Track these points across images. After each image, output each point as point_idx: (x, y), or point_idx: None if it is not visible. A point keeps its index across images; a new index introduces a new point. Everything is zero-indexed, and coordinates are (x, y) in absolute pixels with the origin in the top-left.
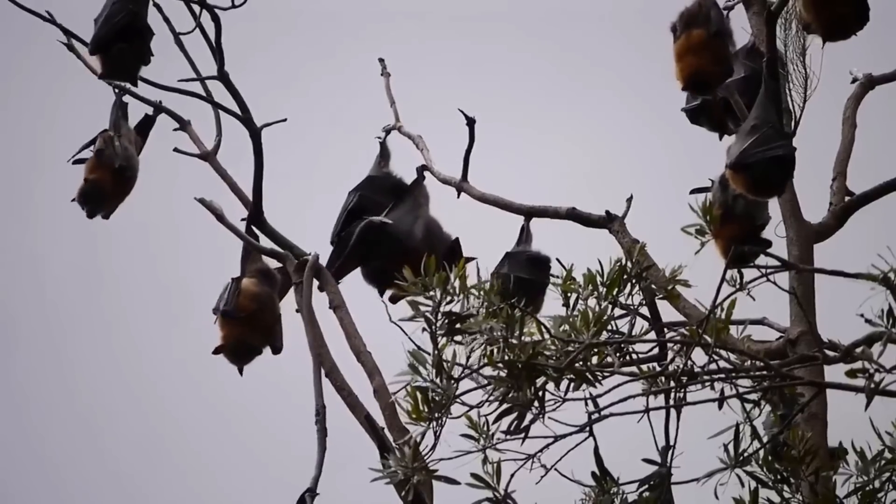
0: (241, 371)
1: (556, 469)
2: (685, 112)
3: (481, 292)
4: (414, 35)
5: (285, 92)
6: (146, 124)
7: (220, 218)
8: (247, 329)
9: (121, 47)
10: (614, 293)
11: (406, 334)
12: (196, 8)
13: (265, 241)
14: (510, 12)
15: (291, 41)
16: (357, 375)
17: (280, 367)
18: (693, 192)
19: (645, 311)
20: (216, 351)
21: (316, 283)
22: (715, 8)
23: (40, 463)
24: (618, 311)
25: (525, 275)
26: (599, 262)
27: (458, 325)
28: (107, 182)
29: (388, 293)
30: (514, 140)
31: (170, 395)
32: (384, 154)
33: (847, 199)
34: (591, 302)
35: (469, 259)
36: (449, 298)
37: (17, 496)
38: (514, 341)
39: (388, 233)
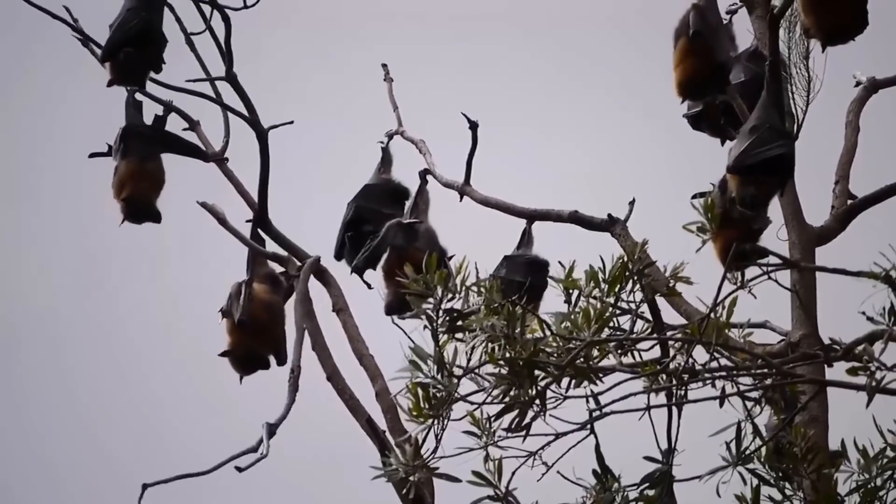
0: (241, 379)
1: (557, 467)
2: (686, 118)
3: (482, 290)
4: (414, 35)
5: (287, 92)
6: (159, 124)
7: (223, 222)
8: (256, 339)
9: (128, 52)
10: (616, 290)
11: (406, 334)
12: (206, 9)
13: (270, 244)
14: (510, 12)
15: (292, 42)
16: (359, 379)
17: (280, 369)
18: (694, 196)
19: (646, 308)
20: (223, 354)
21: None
22: (694, 10)
23: (40, 463)
24: (621, 307)
25: (523, 278)
26: (602, 259)
27: (459, 323)
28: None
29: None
30: (515, 142)
31: (171, 397)
32: (385, 160)
33: (849, 202)
34: (594, 299)
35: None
36: (450, 296)
37: (18, 496)
38: (516, 338)
39: (411, 231)
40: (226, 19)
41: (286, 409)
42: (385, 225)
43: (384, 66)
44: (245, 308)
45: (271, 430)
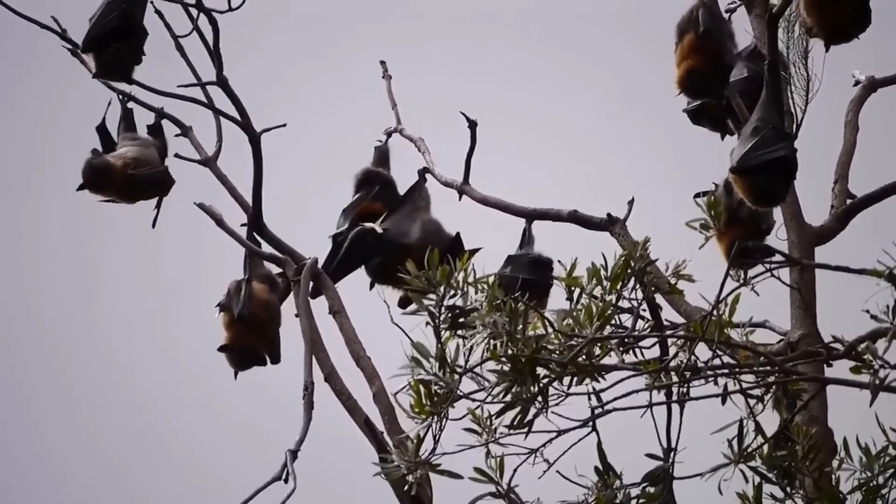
0: (236, 375)
1: (558, 464)
2: (687, 113)
3: (485, 286)
4: (413, 35)
5: (283, 95)
6: (155, 130)
7: (220, 223)
8: (255, 336)
9: (116, 47)
10: (618, 288)
11: (405, 333)
12: (194, 12)
13: (265, 247)
14: (510, 12)
15: (286, 42)
16: (356, 380)
17: (280, 371)
18: (696, 196)
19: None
20: (221, 349)
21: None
22: (703, 8)
23: (40, 463)
24: (622, 305)
25: (527, 276)
26: (604, 257)
27: (461, 319)
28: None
29: (393, 294)
30: (515, 141)
31: (169, 397)
32: (380, 158)
33: (849, 201)
34: (595, 297)
35: (474, 251)
36: (452, 292)
37: (18, 496)
38: (518, 335)
39: (383, 239)
40: (213, 22)
41: (304, 430)
42: (352, 233)
43: (382, 62)
44: (245, 303)
45: (294, 455)
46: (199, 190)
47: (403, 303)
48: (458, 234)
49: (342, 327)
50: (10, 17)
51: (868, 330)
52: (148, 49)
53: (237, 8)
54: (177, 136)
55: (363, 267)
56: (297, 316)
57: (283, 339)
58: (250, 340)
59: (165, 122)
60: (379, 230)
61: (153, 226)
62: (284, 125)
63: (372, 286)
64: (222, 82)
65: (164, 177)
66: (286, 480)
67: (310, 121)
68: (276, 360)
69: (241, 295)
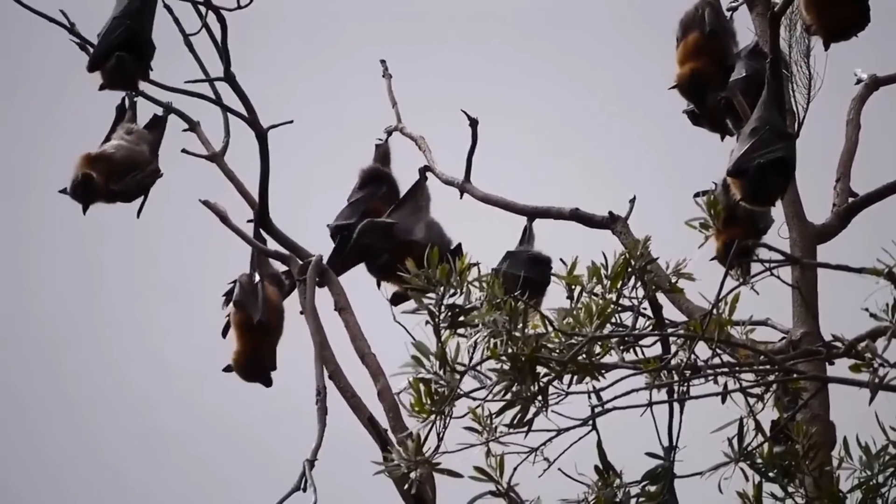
0: (225, 369)
1: (558, 463)
2: (686, 114)
3: (485, 285)
4: (413, 34)
5: (285, 93)
6: (156, 124)
7: (225, 220)
8: (263, 344)
9: (119, 57)
10: (618, 286)
11: (407, 331)
12: (203, 9)
13: (271, 243)
14: (510, 12)
15: (291, 40)
16: (361, 377)
17: (282, 370)
18: (696, 195)
19: (648, 305)
20: (227, 369)
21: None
22: (710, 8)
23: (40, 463)
24: (623, 303)
25: (525, 273)
26: (604, 255)
27: (461, 318)
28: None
29: (390, 289)
30: (515, 141)
31: (169, 397)
32: (380, 156)
33: (850, 200)
34: (596, 295)
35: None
36: (452, 291)
37: (18, 496)
38: (518, 334)
39: (389, 233)
40: (221, 20)
41: (319, 438)
42: (361, 224)
43: (383, 62)
44: (263, 309)
45: (312, 465)
46: (206, 185)
47: (396, 299)
48: (459, 244)
49: (347, 324)
50: (10, 16)
51: (867, 329)
52: (157, 45)
53: (245, 6)
54: (184, 130)
55: (366, 263)
56: (301, 313)
57: (289, 338)
58: (259, 350)
59: (173, 117)
60: (390, 221)
61: (138, 216)
62: (291, 122)
63: (379, 285)
64: (230, 78)
65: (151, 178)
66: (304, 490)
67: (312, 118)
68: (272, 367)
69: (258, 298)
